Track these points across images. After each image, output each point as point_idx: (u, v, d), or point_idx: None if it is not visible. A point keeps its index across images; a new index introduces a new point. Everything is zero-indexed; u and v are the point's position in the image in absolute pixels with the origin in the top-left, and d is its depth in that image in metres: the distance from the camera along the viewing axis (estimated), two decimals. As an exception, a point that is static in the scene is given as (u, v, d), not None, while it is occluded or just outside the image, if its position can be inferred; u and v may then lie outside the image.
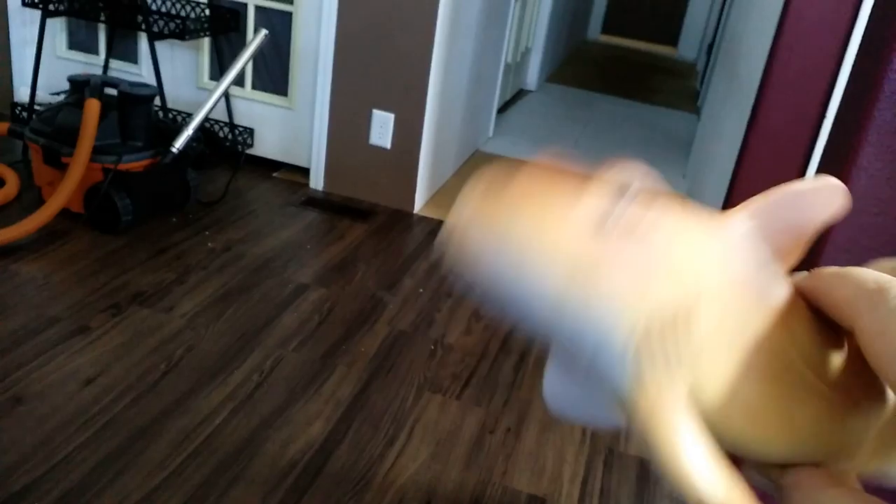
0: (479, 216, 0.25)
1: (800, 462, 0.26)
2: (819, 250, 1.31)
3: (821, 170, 1.50)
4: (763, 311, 0.25)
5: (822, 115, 1.87)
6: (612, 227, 0.24)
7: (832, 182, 0.27)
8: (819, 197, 0.27)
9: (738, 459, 0.26)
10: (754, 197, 0.26)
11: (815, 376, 0.25)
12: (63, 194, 1.99)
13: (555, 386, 0.28)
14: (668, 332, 0.23)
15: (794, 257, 0.27)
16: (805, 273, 0.28)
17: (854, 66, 1.45)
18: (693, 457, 0.23)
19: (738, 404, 0.24)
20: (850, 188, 0.95)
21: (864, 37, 1.47)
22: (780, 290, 0.26)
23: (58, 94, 2.56)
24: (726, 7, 4.69)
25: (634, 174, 0.26)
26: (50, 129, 2.12)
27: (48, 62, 2.80)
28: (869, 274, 0.25)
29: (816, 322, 0.26)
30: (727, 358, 0.24)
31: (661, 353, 0.23)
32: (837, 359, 0.26)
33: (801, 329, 0.26)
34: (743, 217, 0.26)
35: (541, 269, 0.24)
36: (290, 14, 2.58)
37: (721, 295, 0.24)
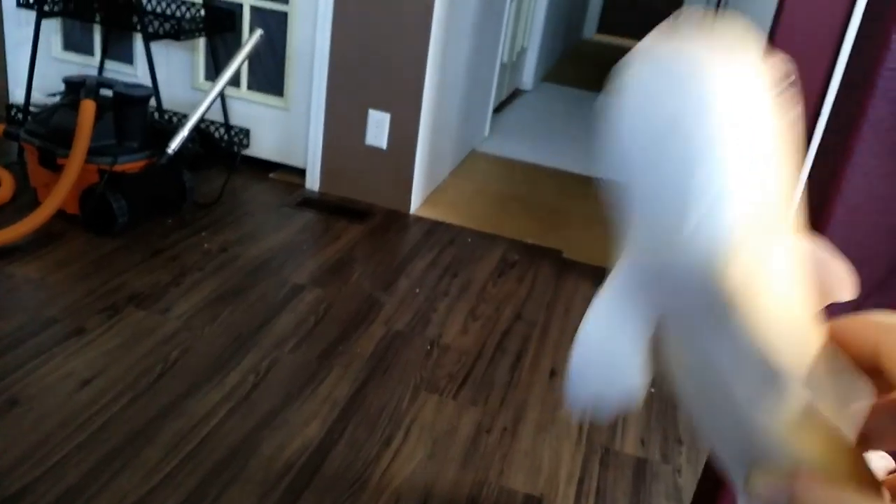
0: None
1: None
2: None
3: (815, 167, 1.51)
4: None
5: (818, 114, 1.88)
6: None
7: (845, 273, 0.29)
8: (832, 272, 0.29)
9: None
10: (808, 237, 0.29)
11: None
12: (59, 196, 1.99)
13: (594, 329, 0.28)
14: (764, 229, 0.25)
15: (824, 303, 0.29)
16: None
17: (848, 63, 1.45)
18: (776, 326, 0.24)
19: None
20: (844, 185, 0.96)
21: (857, 34, 1.47)
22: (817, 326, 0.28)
23: (53, 95, 2.55)
24: (721, 6, 4.69)
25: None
26: (45, 130, 2.12)
27: (43, 63, 2.80)
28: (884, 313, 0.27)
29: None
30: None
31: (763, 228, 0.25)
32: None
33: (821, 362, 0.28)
34: (806, 241, 0.28)
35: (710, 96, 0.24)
36: (285, 14, 2.58)
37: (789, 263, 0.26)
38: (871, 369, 0.27)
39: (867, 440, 0.26)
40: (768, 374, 0.24)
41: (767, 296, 0.25)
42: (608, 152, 0.26)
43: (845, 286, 0.29)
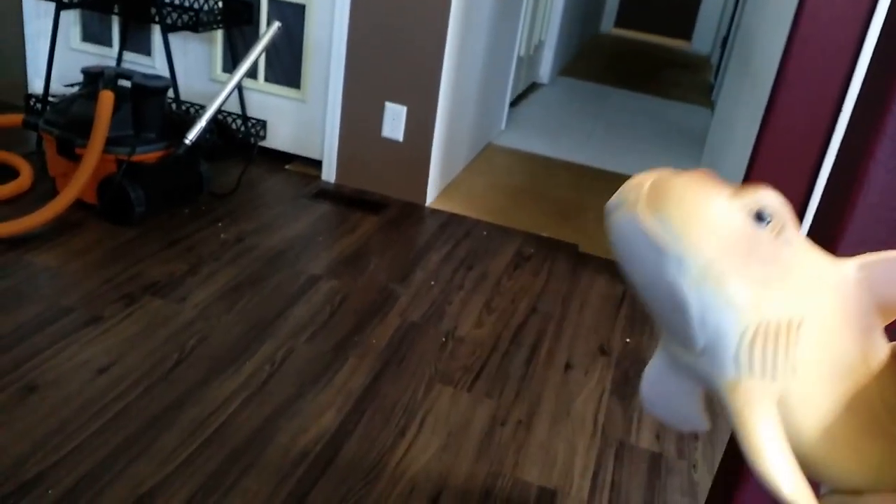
0: (651, 188, 0.29)
1: (872, 490, 0.29)
2: (835, 244, 1.30)
3: (837, 165, 1.49)
4: (860, 352, 0.29)
5: (839, 109, 1.86)
6: (761, 226, 0.28)
7: None
8: None
9: (816, 485, 0.29)
10: (866, 254, 0.30)
11: (890, 421, 0.28)
12: (77, 185, 2.00)
13: (655, 379, 0.33)
14: (773, 341, 0.27)
15: (889, 319, 0.30)
16: None
17: (872, 58, 1.44)
18: (773, 454, 0.27)
19: (817, 425, 0.28)
20: (866, 182, 0.95)
21: (882, 29, 1.45)
22: (878, 341, 0.29)
23: (71, 85, 2.57)
24: (741, 0, 4.65)
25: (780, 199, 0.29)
26: (64, 120, 2.13)
27: (62, 54, 2.82)
28: None
29: None
30: (818, 381, 0.28)
31: (763, 359, 0.27)
32: None
33: (888, 381, 0.29)
34: (855, 266, 0.30)
35: (698, 241, 0.27)
36: (303, 7, 2.58)
37: (827, 323, 0.29)
38: None
39: None
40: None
41: (764, 429, 0.28)
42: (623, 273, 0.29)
43: None
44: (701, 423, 0.30)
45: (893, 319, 0.31)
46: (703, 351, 0.27)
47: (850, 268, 0.31)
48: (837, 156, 1.50)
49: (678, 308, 0.28)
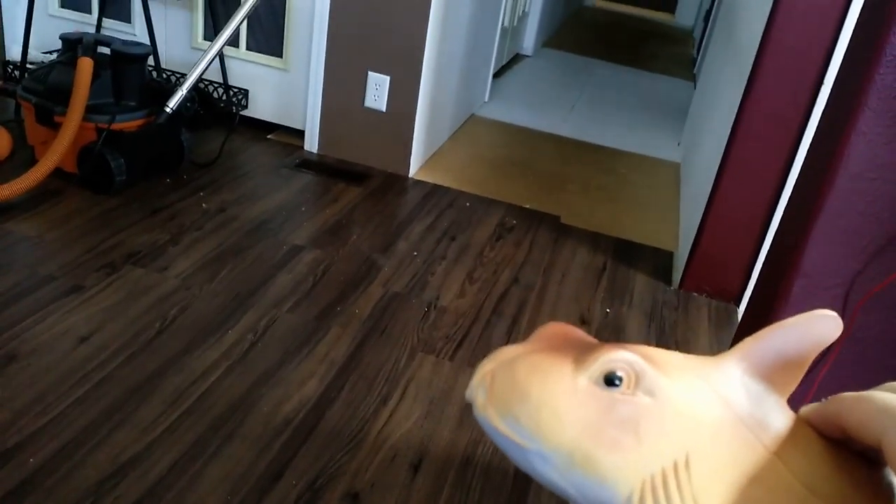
0: (497, 386, 0.30)
1: None
2: (813, 217, 1.31)
3: (818, 136, 1.50)
4: (758, 446, 0.28)
5: (820, 82, 1.87)
6: (613, 390, 0.27)
7: (825, 314, 0.29)
8: (811, 329, 0.29)
9: None
10: (744, 340, 0.29)
11: (816, 498, 0.28)
12: (56, 153, 1.98)
13: None
14: (663, 490, 0.26)
15: (794, 384, 0.30)
16: (816, 403, 0.30)
17: (855, 29, 1.44)
18: None
19: None
20: (847, 152, 0.96)
21: (864, 2, 1.46)
22: (778, 421, 0.28)
23: (50, 52, 2.53)
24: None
25: (627, 356, 0.28)
26: (42, 87, 2.10)
27: (40, 20, 2.77)
28: (889, 395, 0.27)
29: (822, 445, 0.29)
30: (727, 495, 0.27)
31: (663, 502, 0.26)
32: (842, 476, 0.28)
33: (801, 454, 0.28)
34: (735, 359, 0.29)
35: (552, 435, 0.27)
36: (284, -27, 2.55)
37: (715, 438, 0.27)
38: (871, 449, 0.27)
39: None
40: None
41: None
42: None
43: (826, 331, 0.29)
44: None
45: (794, 387, 0.30)
46: None
47: (731, 363, 0.30)
48: (818, 127, 1.51)
49: (565, 494, 0.28)
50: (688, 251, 2.14)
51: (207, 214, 2.11)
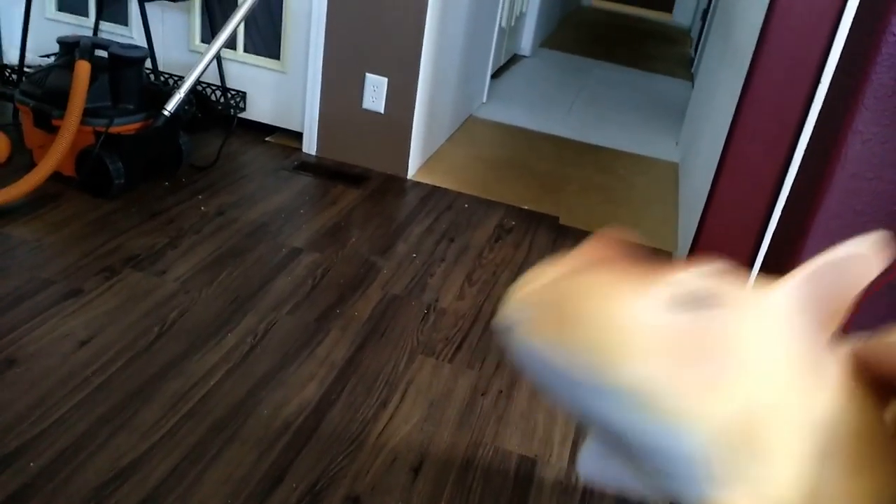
0: (549, 301, 0.24)
1: None
2: (811, 216, 1.32)
3: (815, 136, 1.50)
4: (822, 392, 0.25)
5: (817, 81, 1.87)
6: (691, 315, 0.22)
7: (868, 246, 0.27)
8: (856, 263, 0.27)
9: None
10: (795, 270, 0.26)
11: (869, 449, 0.25)
12: (54, 157, 1.98)
13: (596, 465, 0.29)
14: (742, 445, 0.23)
15: (837, 322, 0.27)
16: (859, 338, 0.28)
17: (851, 28, 1.44)
18: None
19: (809, 495, 0.24)
20: (844, 152, 0.96)
21: (860, 2, 1.46)
22: (831, 364, 0.26)
23: (47, 56, 2.53)
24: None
25: (697, 274, 0.24)
26: (40, 91, 2.10)
27: (37, 24, 2.77)
28: None
29: (866, 386, 0.27)
30: (797, 455, 0.24)
31: (737, 468, 0.23)
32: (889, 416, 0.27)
33: (851, 407, 0.26)
34: (786, 291, 0.26)
35: (615, 366, 0.22)
36: (282, -24, 2.55)
37: (789, 382, 0.24)
38: None
39: None
40: None
41: None
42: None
43: (869, 265, 0.26)
44: (649, 491, 0.26)
45: (838, 325, 0.27)
46: (660, 474, 0.23)
47: (783, 295, 0.26)
48: (815, 127, 1.51)
49: (616, 436, 0.23)
50: (687, 251, 2.14)
51: (206, 217, 2.11)
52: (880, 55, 1.24)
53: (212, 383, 1.47)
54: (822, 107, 1.47)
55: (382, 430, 1.43)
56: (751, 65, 1.91)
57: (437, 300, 1.89)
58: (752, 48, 1.91)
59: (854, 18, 1.43)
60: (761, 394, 0.23)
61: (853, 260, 0.26)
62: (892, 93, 1.26)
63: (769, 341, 0.24)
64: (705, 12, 5.42)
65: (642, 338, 0.22)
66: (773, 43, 1.85)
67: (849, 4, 1.75)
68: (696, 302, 0.23)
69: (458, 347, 1.72)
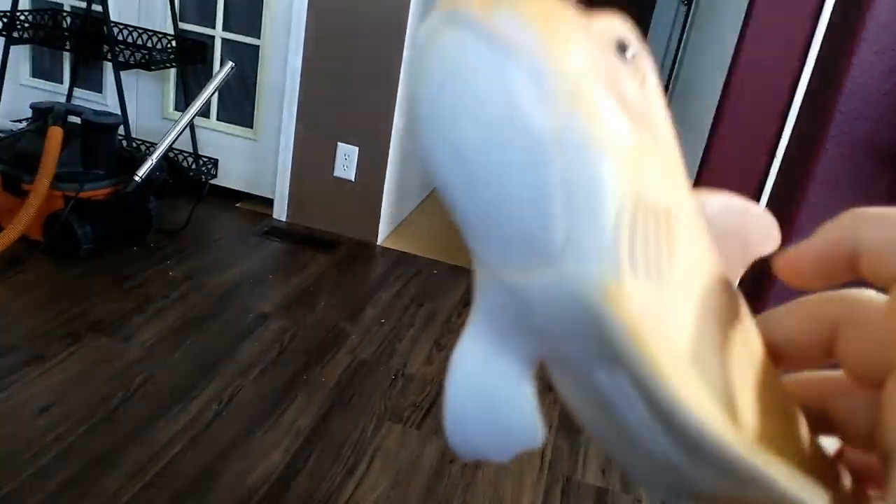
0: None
1: None
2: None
3: (782, 169, 1.54)
4: (728, 290, 0.21)
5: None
6: (624, 61, 0.18)
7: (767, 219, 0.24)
8: (762, 223, 0.23)
9: None
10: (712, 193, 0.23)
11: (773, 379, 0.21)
12: (22, 221, 1.98)
13: (470, 369, 0.22)
14: (654, 226, 0.18)
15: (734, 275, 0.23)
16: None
17: (816, 62, 1.49)
18: (693, 389, 0.17)
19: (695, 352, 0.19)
20: (810, 187, 0.99)
21: (826, 28, 1.52)
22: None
23: (20, 121, 2.54)
24: (684, 40, 4.82)
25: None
26: (11, 155, 2.11)
27: (11, 89, 2.79)
28: None
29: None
30: (691, 297, 0.19)
31: (646, 252, 0.18)
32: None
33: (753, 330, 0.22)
34: (714, 199, 0.22)
35: (560, 44, 0.17)
36: (256, 47, 2.61)
37: (698, 232, 0.20)
38: (822, 355, 0.21)
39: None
40: (689, 441, 0.17)
41: (670, 329, 0.19)
42: (423, 146, 0.19)
43: (770, 237, 0.23)
44: (532, 429, 0.21)
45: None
46: (563, 248, 0.17)
47: (712, 199, 0.22)
48: (782, 161, 1.56)
49: (531, 167, 0.17)
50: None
51: (174, 283, 2.10)
52: (845, 88, 1.30)
53: (174, 451, 1.45)
54: (790, 136, 1.52)
55: (349, 498, 1.41)
56: (708, 137, 1.97)
57: (405, 366, 1.89)
58: (712, 119, 1.98)
59: (819, 51, 1.50)
60: (683, 196, 0.19)
61: (759, 220, 0.23)
62: (859, 116, 1.31)
63: (685, 179, 0.20)
64: (666, 87, 5.60)
65: (584, 40, 0.17)
66: (727, 124, 1.92)
67: (817, 33, 1.80)
68: (634, 53, 0.19)
69: (427, 413, 1.71)
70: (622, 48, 0.18)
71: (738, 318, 0.21)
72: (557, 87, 0.17)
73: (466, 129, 0.17)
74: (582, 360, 0.19)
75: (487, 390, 0.22)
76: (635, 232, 0.18)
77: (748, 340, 0.21)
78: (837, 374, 0.21)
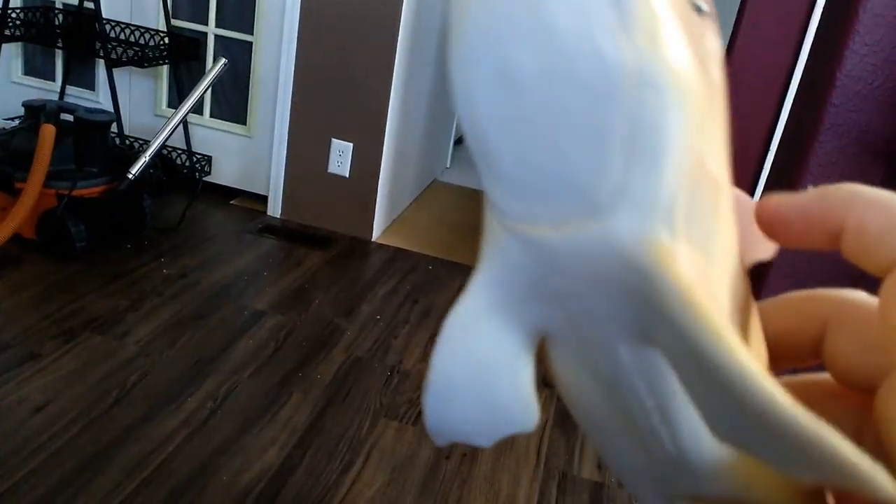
0: None
1: None
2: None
3: (771, 176, 1.54)
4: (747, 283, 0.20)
5: (774, 126, 1.93)
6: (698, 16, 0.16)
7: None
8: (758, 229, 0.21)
9: None
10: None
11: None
12: (15, 220, 1.97)
13: (464, 339, 0.20)
14: (705, 190, 0.17)
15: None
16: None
17: (805, 67, 1.50)
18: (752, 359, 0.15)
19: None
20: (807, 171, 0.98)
21: (815, 35, 1.53)
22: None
23: (12, 119, 2.53)
24: None
25: None
26: (3, 154, 2.10)
27: (3, 87, 2.78)
28: None
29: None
30: (727, 277, 0.18)
31: (696, 214, 0.16)
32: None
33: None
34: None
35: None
36: (249, 43, 2.60)
37: (731, 220, 0.19)
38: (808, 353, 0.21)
39: None
40: (748, 410, 0.15)
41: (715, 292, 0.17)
42: (455, 63, 0.16)
43: (769, 243, 0.21)
44: (527, 410, 0.19)
45: None
46: (612, 199, 0.16)
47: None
48: (770, 171, 1.56)
49: (596, 102, 0.15)
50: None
51: (168, 280, 2.10)
52: (835, 87, 1.30)
53: (170, 449, 1.45)
54: (778, 145, 1.52)
55: (345, 494, 1.41)
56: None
57: (400, 362, 1.89)
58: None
59: (808, 56, 1.50)
60: (726, 170, 0.18)
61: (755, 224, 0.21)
62: (845, 131, 1.31)
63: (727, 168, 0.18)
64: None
65: None
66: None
67: (808, 32, 1.80)
68: (706, 12, 0.17)
69: (422, 410, 1.71)
70: (695, 4, 0.17)
71: (753, 309, 0.20)
72: (643, 17, 0.15)
73: (521, 49, 0.15)
74: (604, 332, 0.17)
75: (481, 361, 0.19)
76: (692, 193, 0.16)
77: (758, 333, 0.20)
78: (824, 376, 0.21)
